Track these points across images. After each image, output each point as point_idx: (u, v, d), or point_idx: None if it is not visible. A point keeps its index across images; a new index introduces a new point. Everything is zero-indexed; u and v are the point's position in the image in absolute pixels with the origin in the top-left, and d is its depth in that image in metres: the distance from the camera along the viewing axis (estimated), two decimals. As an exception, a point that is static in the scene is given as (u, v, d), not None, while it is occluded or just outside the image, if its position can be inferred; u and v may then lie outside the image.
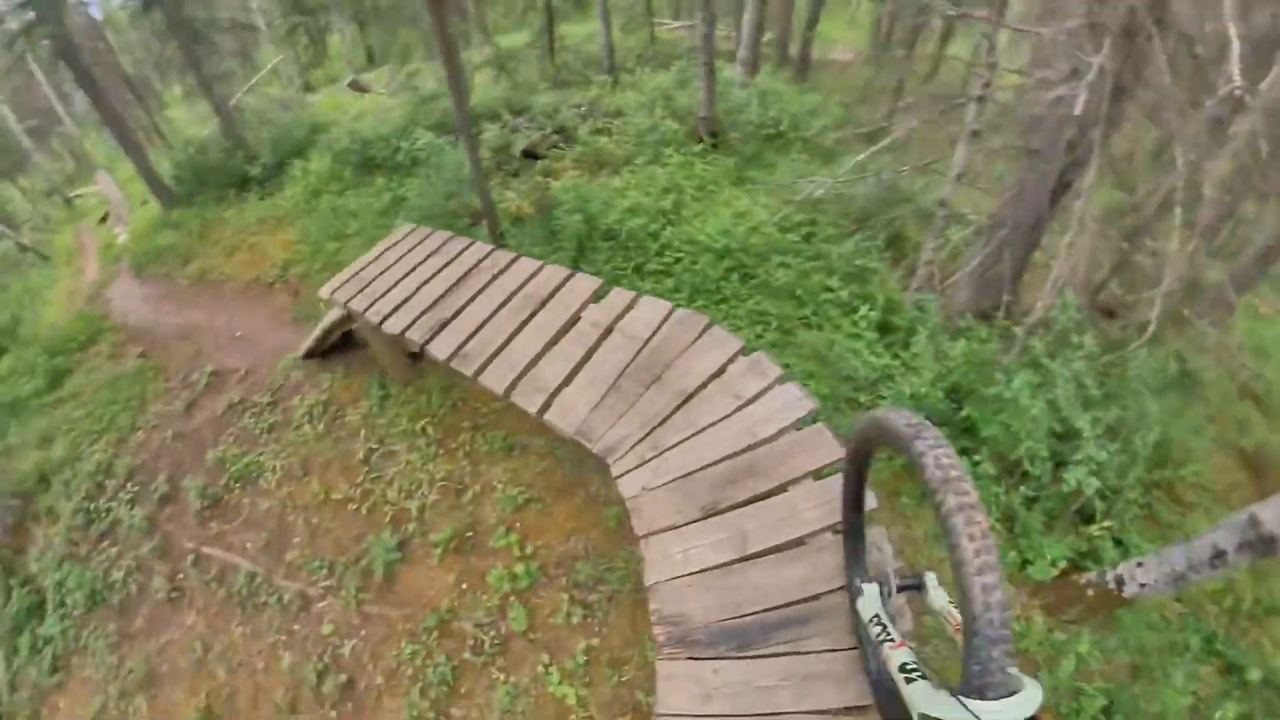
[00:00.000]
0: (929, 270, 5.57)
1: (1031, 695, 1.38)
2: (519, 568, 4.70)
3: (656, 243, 6.48)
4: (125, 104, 18.58)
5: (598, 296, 4.35)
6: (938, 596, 1.97)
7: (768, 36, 17.77)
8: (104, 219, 16.28)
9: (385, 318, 4.67)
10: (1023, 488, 4.46)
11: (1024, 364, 4.63)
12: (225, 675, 5.20)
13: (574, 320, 4.22)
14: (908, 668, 1.73)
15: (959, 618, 1.59)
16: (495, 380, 3.90)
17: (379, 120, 10.78)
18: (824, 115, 9.95)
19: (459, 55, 5.20)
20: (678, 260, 6.27)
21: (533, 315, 4.31)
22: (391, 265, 5.27)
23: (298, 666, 4.95)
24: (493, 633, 4.56)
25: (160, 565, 5.93)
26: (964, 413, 4.67)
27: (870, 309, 5.49)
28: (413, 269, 5.11)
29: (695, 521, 3.04)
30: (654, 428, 3.46)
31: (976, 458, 4.56)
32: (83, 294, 11.69)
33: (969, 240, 6.16)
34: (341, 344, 6.59)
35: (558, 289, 4.46)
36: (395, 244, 5.56)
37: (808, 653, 2.60)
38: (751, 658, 2.65)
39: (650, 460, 3.32)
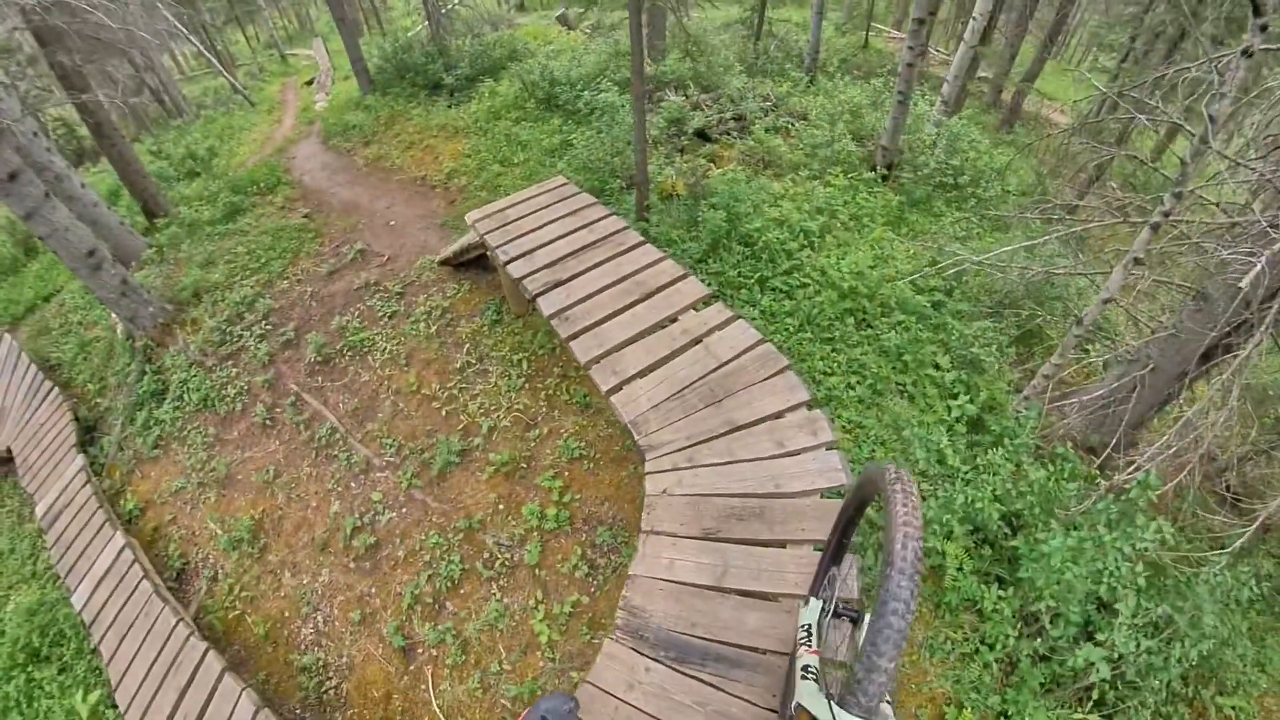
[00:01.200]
0: (1046, 383, 5.41)
1: None
2: (551, 510, 5.20)
3: (789, 261, 6.66)
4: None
5: (700, 305, 4.68)
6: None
7: (984, 73, 17.15)
8: (310, 82, 18.22)
9: (512, 259, 5.24)
10: (1038, 640, 4.24)
11: (1088, 518, 4.38)
12: (283, 500, 6.15)
13: (670, 320, 4.61)
14: (808, 670, 1.98)
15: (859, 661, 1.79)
16: (582, 350, 4.35)
17: (573, 62, 11.42)
18: (1011, 176, 9.67)
19: (640, 16, 5.54)
20: (803, 285, 6.43)
21: (636, 303, 4.74)
22: (534, 212, 5.85)
23: (341, 516, 5.79)
24: (507, 555, 5.13)
25: (266, 395, 6.90)
26: (1014, 542, 4.54)
27: (969, 400, 5.41)
28: (550, 221, 5.67)
29: (693, 538, 3.38)
30: (697, 443, 3.80)
31: (1002, 591, 4.40)
32: (274, 144, 13.25)
33: (1099, 365, 5.92)
34: (475, 262, 7.29)
35: (667, 285, 4.85)
36: (545, 192, 6.12)
37: (729, 693, 2.90)
38: (682, 673, 3.00)
39: (681, 470, 3.67)
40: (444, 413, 6.13)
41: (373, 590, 5.34)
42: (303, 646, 5.23)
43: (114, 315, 7.96)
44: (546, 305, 4.73)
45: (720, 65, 11.11)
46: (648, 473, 3.67)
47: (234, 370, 7.22)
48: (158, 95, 17.26)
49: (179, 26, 17.61)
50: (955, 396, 5.52)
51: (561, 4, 16.76)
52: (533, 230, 5.59)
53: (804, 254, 6.76)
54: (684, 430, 3.84)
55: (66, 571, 6.18)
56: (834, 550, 2.65)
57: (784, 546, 3.29)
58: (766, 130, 9.36)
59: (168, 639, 5.20)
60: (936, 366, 5.74)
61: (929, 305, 6.22)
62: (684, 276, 4.89)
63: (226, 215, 9.66)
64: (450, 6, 14.47)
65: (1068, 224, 5.76)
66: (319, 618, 5.36)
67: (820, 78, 12.64)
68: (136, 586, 5.67)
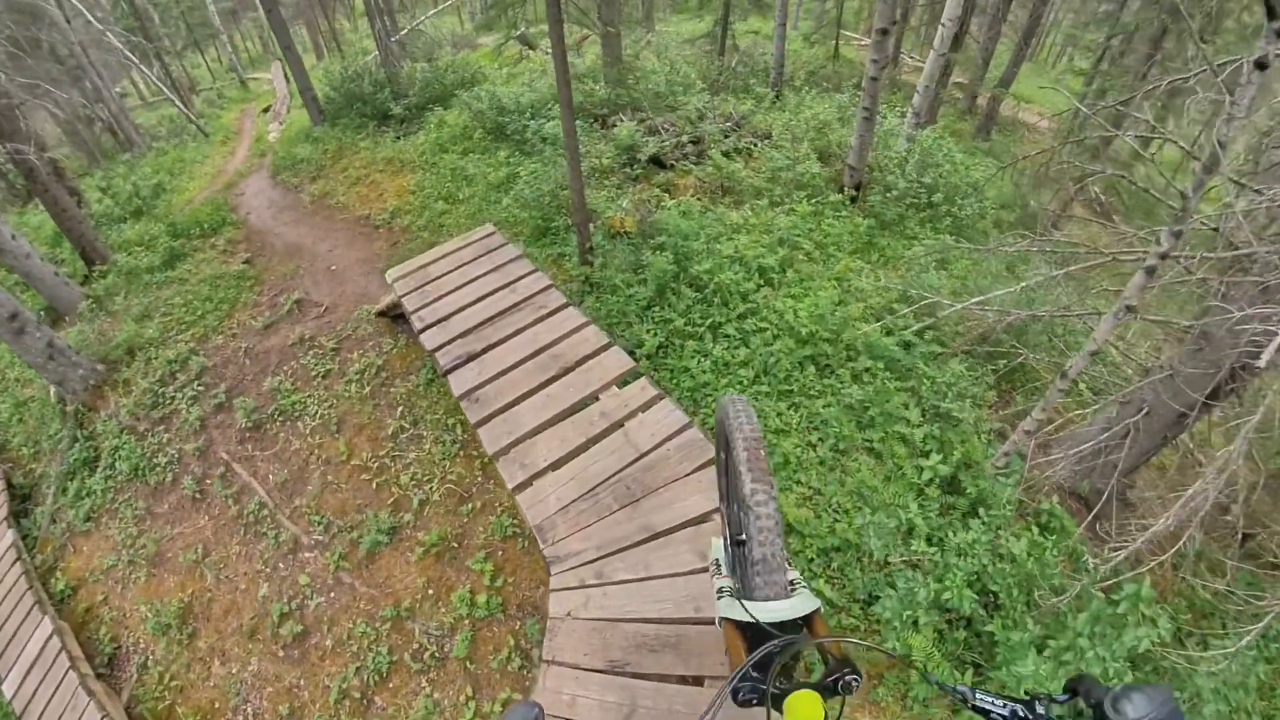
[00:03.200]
0: (1028, 438, 5.17)
1: (804, 602, 1.73)
2: (482, 597, 5.02)
3: (744, 304, 6.47)
4: (313, 6, 20.30)
5: (623, 381, 4.48)
6: None
7: (958, 79, 17.03)
8: (266, 109, 18.06)
9: (426, 327, 5.08)
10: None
11: (1072, 609, 4.16)
12: (212, 581, 6.00)
13: (589, 400, 4.39)
14: (722, 591, 2.12)
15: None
16: (490, 437, 4.16)
17: (525, 87, 11.29)
18: (990, 189, 9.47)
19: (562, 39, 5.36)
20: (759, 330, 6.24)
21: (553, 379, 4.54)
22: (457, 268, 5.69)
23: (269, 600, 5.65)
24: (436, 647, 4.96)
25: (196, 465, 6.74)
26: (990, 626, 4.27)
27: (942, 460, 5.14)
28: (472, 280, 5.51)
29: (598, 672, 3.14)
30: (609, 554, 3.56)
31: (979, 678, 4.17)
32: (225, 178, 13.11)
33: (1086, 406, 5.70)
34: (411, 313, 7.12)
35: (589, 357, 4.65)
36: (470, 244, 5.97)
37: None
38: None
39: (589, 587, 3.44)
40: (374, 485, 5.96)
41: (301, 682, 5.20)
42: None
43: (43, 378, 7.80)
44: (456, 384, 4.56)
45: (679, 84, 10.96)
46: (552, 589, 3.47)
47: (165, 436, 7.06)
48: (110, 126, 17.09)
49: (129, 56, 17.46)
50: (926, 455, 5.27)
51: (523, 24, 16.69)
52: (452, 291, 5.44)
53: (761, 295, 6.56)
54: (595, 538, 3.63)
55: None
56: (724, 491, 2.81)
57: (701, 684, 3.07)
58: (725, 154, 9.20)
59: None
60: (906, 421, 5.50)
61: (898, 347, 5.99)
62: (606, 347, 4.71)
63: (166, 262, 9.51)
64: (406, 30, 14.37)
65: (1049, 255, 5.54)
66: (249, 710, 5.22)
67: (786, 93, 12.50)
68: (64, 677, 5.59)
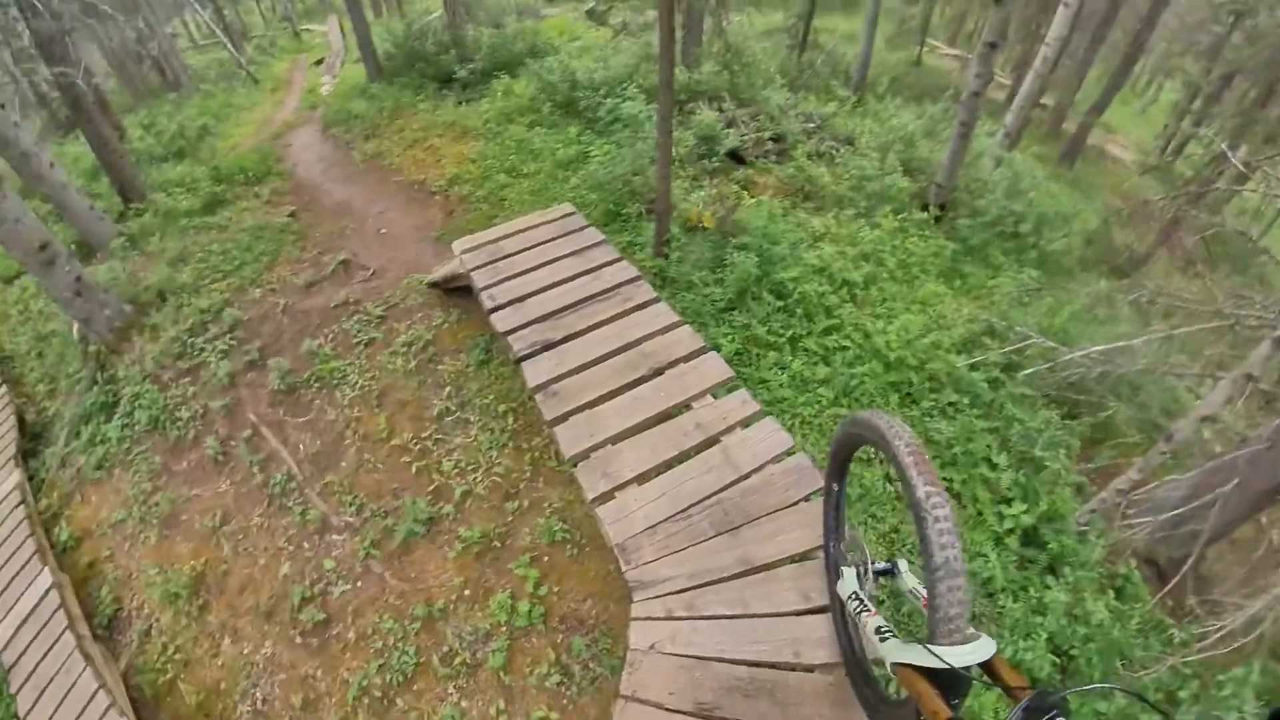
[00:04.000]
0: (1120, 498, 4.83)
1: (986, 645, 1.68)
2: (524, 605, 4.66)
3: (828, 318, 6.11)
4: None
5: (719, 391, 4.07)
6: (909, 579, 2.30)
7: (1045, 99, 16.48)
8: (319, 62, 17.89)
9: (498, 307, 4.68)
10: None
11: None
12: (229, 552, 5.69)
13: (682, 407, 3.98)
14: (881, 630, 2.09)
15: (927, 596, 1.84)
16: (569, 440, 3.75)
17: (598, 62, 10.89)
18: (1076, 222, 9.08)
19: (671, 11, 4.98)
20: (842, 348, 5.88)
21: (641, 380, 4.11)
22: (533, 247, 5.28)
23: (290, 581, 5.31)
24: (469, 654, 4.60)
25: (222, 424, 6.43)
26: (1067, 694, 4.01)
27: (1026, 510, 4.84)
28: (549, 261, 5.08)
29: (684, 714, 2.76)
30: (702, 585, 3.15)
31: None
32: (272, 128, 12.87)
33: (1171, 467, 5.32)
34: (466, 288, 6.74)
35: (682, 360, 4.21)
36: (547, 222, 5.57)
37: None
38: None
39: (678, 620, 3.04)
40: (414, 469, 5.59)
41: (318, 672, 4.87)
42: None
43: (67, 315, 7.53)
44: (532, 373, 4.15)
45: (760, 78, 10.55)
46: (634, 618, 3.07)
47: (191, 389, 6.75)
48: (159, 64, 16.96)
49: (186, -7, 17.33)
50: (1010, 503, 4.94)
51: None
52: (528, 270, 5.02)
53: (845, 310, 6.20)
54: (687, 565, 3.21)
55: None
56: (834, 499, 2.86)
57: (798, 735, 2.69)
58: (809, 156, 8.80)
59: (86, 705, 4.92)
60: (991, 464, 5.13)
61: (985, 384, 5.62)
62: (703, 351, 4.27)
63: (206, 207, 9.24)
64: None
65: (1153, 310, 5.16)
66: (258, 695, 4.92)
67: (869, 97, 12.10)
68: (59, 637, 5.36)
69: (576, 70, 10.05)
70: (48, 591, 5.63)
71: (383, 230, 8.40)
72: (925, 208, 8.13)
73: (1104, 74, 15.05)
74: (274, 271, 7.86)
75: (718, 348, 5.60)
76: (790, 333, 5.97)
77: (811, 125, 9.80)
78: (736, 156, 8.81)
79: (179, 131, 12.35)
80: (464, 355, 6.24)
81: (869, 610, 2.28)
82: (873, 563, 2.47)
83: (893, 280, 6.89)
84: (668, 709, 2.77)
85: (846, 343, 5.93)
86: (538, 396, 4.01)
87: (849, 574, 2.55)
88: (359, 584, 5.16)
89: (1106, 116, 16.08)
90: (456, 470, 5.49)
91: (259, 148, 11.41)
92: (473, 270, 5.10)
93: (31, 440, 7.36)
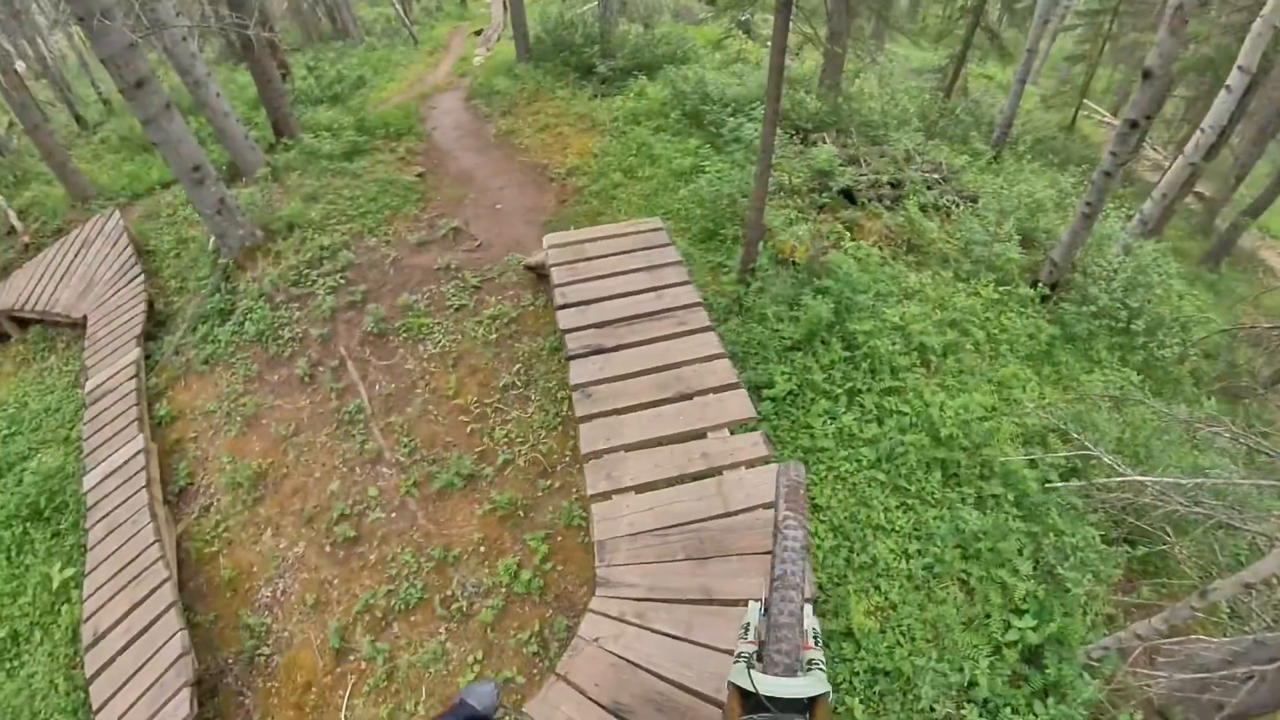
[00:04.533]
0: (1138, 643, 4.55)
1: (812, 684, 1.81)
2: (526, 574, 5.08)
3: (892, 379, 6.10)
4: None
5: (736, 428, 4.30)
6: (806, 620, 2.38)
7: (1200, 188, 15.50)
8: (478, 32, 18.96)
9: (566, 305, 5.10)
10: None
11: None
12: (291, 459, 6.43)
13: (693, 435, 4.23)
14: (741, 656, 2.20)
15: (811, 638, 2.09)
16: (588, 438, 4.12)
17: (735, 78, 11.20)
18: (1199, 330, 8.54)
19: (784, 48, 5.22)
20: (897, 413, 5.87)
21: (667, 401, 4.42)
22: (613, 255, 5.69)
23: (335, 498, 5.99)
24: (466, 603, 5.09)
25: (315, 350, 7.18)
26: None
27: (1034, 627, 4.65)
28: (622, 273, 5.48)
29: (600, 707, 3.07)
30: (657, 600, 3.44)
31: None
32: (422, 89, 13.89)
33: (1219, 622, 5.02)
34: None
35: (711, 391, 4.50)
36: (632, 233, 5.96)
37: None
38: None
39: (626, 623, 3.34)
40: (469, 429, 6.13)
41: (335, 581, 5.50)
42: (256, 606, 5.52)
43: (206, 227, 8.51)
44: (575, 373, 4.56)
45: (895, 117, 10.56)
46: (590, 609, 3.41)
47: (296, 314, 7.54)
48: (331, 12, 18.47)
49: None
50: (1021, 614, 4.79)
51: (745, 9, 16.52)
52: (601, 277, 5.44)
53: (913, 374, 6.17)
54: (651, 578, 3.52)
55: (89, 452, 6.82)
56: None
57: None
58: (923, 207, 8.77)
59: (141, 553, 5.68)
60: (1013, 569, 4.98)
61: (1036, 484, 5.46)
62: (733, 387, 4.55)
63: (346, 153, 10.16)
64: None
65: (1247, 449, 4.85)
66: (280, 585, 5.61)
67: (1007, 155, 11.79)
68: (136, 493, 6.19)
69: (709, 83, 10.38)
70: (137, 454, 6.52)
71: (498, 206, 9.03)
72: (1034, 284, 7.93)
73: (1271, 172, 14.00)
74: (392, 225, 8.61)
75: (772, 384, 5.83)
76: (850, 385, 6.01)
77: (936, 176, 9.74)
78: (849, 196, 8.90)
79: (337, 78, 13.53)
80: (540, 339, 6.71)
81: (746, 639, 2.36)
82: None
83: (975, 352, 6.75)
84: (589, 698, 3.10)
85: (905, 407, 5.89)
86: (575, 394, 4.40)
87: (752, 606, 2.63)
88: (393, 515, 5.76)
89: (1266, 219, 15.00)
90: (505, 439, 5.97)
91: (405, 105, 12.37)
92: (554, 266, 5.55)
93: (155, 326, 8.36)
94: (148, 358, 7.88)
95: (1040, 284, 7.85)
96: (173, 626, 5.08)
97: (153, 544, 5.71)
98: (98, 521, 6.10)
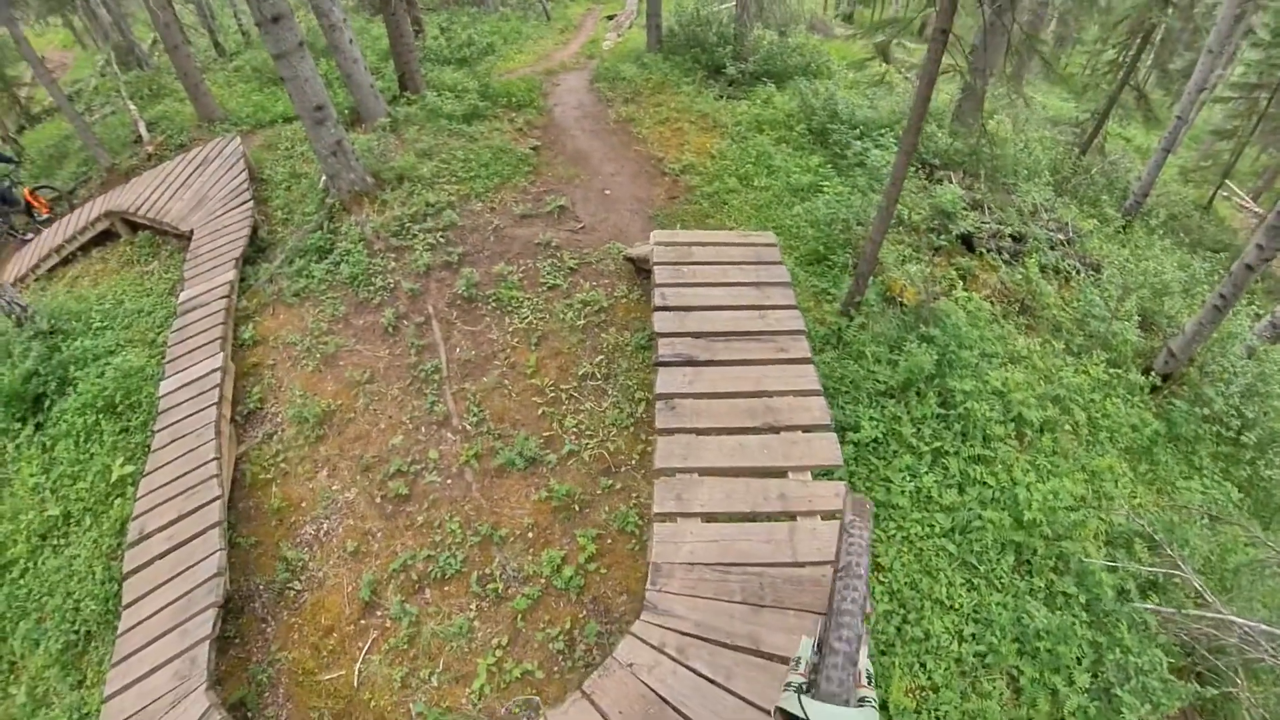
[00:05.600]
0: None
1: (863, 718, 1.83)
2: (569, 570, 5.02)
3: (983, 447, 5.79)
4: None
5: (820, 473, 4.08)
6: (860, 659, 2.36)
7: None
8: (611, 17, 19.11)
9: (664, 308, 4.97)
10: None
11: None
12: (361, 405, 6.52)
13: (774, 472, 4.03)
14: (790, 685, 2.19)
15: (865, 677, 2.12)
16: (664, 452, 3.97)
17: (868, 100, 10.90)
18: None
19: (933, 79, 5.00)
20: (982, 484, 5.55)
21: (753, 430, 4.23)
22: (720, 263, 5.50)
23: (395, 453, 6.05)
24: (502, 585, 5.06)
25: (403, 303, 7.29)
26: None
27: None
28: (727, 284, 5.29)
29: None
30: (702, 639, 3.27)
31: None
32: (548, 65, 14.06)
33: None
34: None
35: (800, 429, 4.28)
36: (744, 244, 5.77)
37: None
38: None
39: (664, 654, 3.19)
40: (540, 411, 6.10)
41: (378, 534, 5.55)
42: (298, 541, 5.62)
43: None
44: (662, 382, 4.41)
45: (1026, 167, 10.10)
46: (631, 632, 3.26)
47: (392, 264, 7.68)
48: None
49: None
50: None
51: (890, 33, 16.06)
52: (705, 285, 5.27)
53: (1005, 446, 5.83)
54: (700, 614, 3.35)
55: (171, 359, 7.07)
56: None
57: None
58: (1042, 267, 8.34)
59: (199, 467, 5.86)
60: (1069, 677, 4.65)
61: (1113, 592, 5.07)
62: (823, 428, 4.31)
63: (465, 115, 10.34)
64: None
65: None
66: (324, 526, 5.70)
67: (1137, 225, 11.15)
68: (206, 408, 6.38)
69: (840, 101, 10.14)
70: (214, 371, 6.71)
71: (607, 191, 9.01)
72: (1146, 371, 7.47)
73: None
74: (499, 193, 8.70)
75: (857, 428, 5.61)
76: (938, 444, 5.73)
77: (1061, 236, 9.26)
78: (968, 242, 8.54)
79: (467, 41, 13.81)
80: (628, 333, 6.63)
81: (798, 670, 2.37)
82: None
83: (1073, 434, 6.38)
84: (612, 723, 2.95)
85: (990, 479, 5.58)
86: (658, 404, 4.26)
87: (805, 641, 2.61)
88: (448, 482, 5.77)
89: None
90: (575, 429, 5.92)
91: (529, 79, 12.53)
92: (658, 264, 5.42)
93: (256, 251, 8.64)
94: (243, 280, 8.15)
95: (1153, 373, 7.38)
96: (213, 545, 5.23)
97: (211, 460, 5.88)
98: (166, 427, 6.31)
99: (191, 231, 9.02)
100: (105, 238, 10.10)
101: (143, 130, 12.38)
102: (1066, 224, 9.60)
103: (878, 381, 6.06)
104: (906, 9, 25.56)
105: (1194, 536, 5.61)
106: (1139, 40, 11.95)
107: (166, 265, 9.18)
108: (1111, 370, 7.07)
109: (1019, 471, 5.61)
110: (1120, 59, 12.94)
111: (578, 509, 5.42)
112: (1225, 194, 16.90)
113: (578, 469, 5.67)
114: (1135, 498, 6.07)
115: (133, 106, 13.30)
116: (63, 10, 20.23)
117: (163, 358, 7.23)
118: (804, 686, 2.14)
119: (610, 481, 5.54)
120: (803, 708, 1.82)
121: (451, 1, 18.43)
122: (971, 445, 5.74)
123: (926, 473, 5.53)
